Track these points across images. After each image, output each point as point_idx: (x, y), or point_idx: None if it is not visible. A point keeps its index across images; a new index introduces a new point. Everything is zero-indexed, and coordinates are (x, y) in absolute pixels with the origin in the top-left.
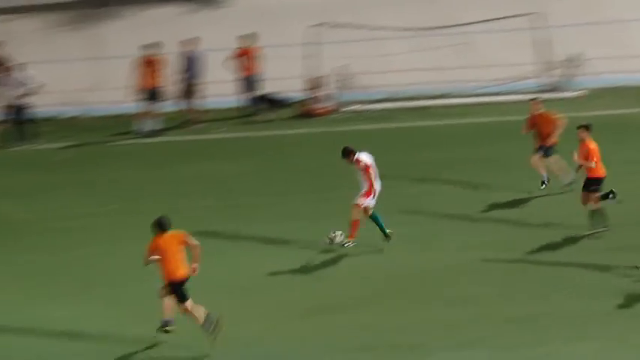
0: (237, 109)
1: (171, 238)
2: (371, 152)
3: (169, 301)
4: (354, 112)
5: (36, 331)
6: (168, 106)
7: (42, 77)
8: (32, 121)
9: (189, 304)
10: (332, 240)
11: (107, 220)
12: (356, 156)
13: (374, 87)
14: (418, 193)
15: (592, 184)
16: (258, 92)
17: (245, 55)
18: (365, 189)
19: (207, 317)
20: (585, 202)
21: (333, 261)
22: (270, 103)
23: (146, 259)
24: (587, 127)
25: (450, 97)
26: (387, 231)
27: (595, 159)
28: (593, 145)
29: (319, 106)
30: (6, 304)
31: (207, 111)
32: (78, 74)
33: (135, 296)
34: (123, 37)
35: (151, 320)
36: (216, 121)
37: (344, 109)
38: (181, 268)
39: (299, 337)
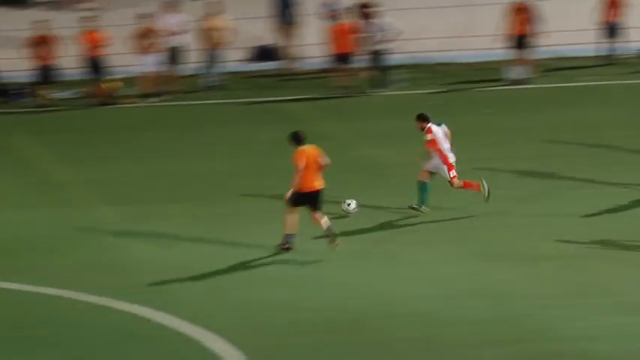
0: (601, 57)
1: (312, 150)
2: None
3: (294, 217)
4: None
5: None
6: (533, 53)
7: (413, 24)
8: (390, 67)
9: (320, 213)
10: (347, 211)
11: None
12: (428, 125)
13: None
14: None
15: None
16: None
17: (609, 3)
18: (442, 164)
19: (330, 226)
20: None
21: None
22: None
23: (299, 169)
24: None
25: None
26: (420, 206)
27: None
28: None
29: None
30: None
31: (569, 58)
32: (448, 21)
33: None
34: None
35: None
36: (580, 68)
37: None
38: (319, 180)
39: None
